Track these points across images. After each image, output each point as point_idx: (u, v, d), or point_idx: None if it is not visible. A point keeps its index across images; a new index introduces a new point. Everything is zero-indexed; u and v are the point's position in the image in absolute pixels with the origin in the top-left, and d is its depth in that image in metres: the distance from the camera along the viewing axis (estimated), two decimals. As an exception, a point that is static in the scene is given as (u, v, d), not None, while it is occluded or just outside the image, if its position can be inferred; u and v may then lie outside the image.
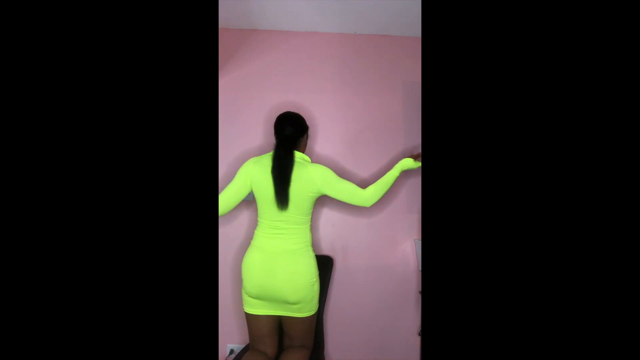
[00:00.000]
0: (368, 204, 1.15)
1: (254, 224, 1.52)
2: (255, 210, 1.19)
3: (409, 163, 1.20)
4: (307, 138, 1.24)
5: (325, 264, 1.42)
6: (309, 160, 1.17)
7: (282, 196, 1.08)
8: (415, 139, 1.65)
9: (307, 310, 1.11)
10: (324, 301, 1.33)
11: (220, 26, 1.65)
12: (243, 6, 1.49)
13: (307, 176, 1.10)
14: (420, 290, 1.55)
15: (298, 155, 1.14)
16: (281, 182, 1.08)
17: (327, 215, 1.59)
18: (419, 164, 1.21)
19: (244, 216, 1.56)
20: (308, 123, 1.24)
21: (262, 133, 1.59)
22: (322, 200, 1.59)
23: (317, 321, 1.27)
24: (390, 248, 1.58)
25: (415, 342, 1.55)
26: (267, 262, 1.08)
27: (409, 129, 1.66)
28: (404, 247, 1.59)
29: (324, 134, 1.63)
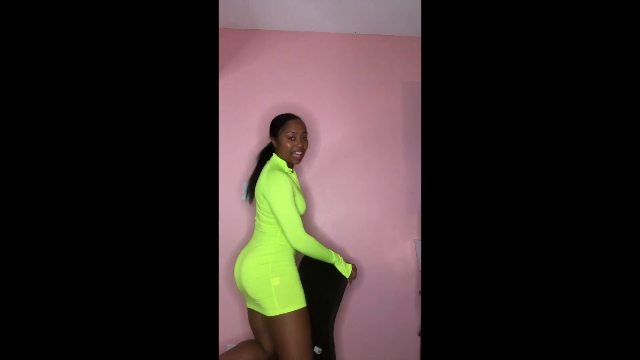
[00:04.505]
0: (296, 243, 1.05)
1: (250, 223, 1.52)
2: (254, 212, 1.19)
3: (343, 268, 1.13)
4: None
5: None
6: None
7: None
8: (415, 139, 1.65)
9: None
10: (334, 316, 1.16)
11: (220, 26, 1.65)
12: (243, 6, 1.49)
13: None
14: (420, 290, 1.55)
15: None
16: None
17: (327, 215, 1.59)
18: (346, 274, 1.14)
19: (243, 217, 1.56)
20: (307, 123, 1.24)
21: (262, 133, 1.59)
22: (322, 200, 1.59)
23: (323, 335, 1.12)
24: (390, 248, 1.58)
25: (415, 342, 1.55)
26: None
27: (409, 129, 1.66)
28: (404, 247, 1.59)
29: (324, 134, 1.63)
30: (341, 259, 1.15)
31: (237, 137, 1.60)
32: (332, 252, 1.12)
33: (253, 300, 1.07)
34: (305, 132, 1.17)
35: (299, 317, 1.03)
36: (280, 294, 1.02)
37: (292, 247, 1.10)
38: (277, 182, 1.06)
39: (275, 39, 1.68)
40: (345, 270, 1.14)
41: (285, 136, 1.14)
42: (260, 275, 1.04)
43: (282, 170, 1.13)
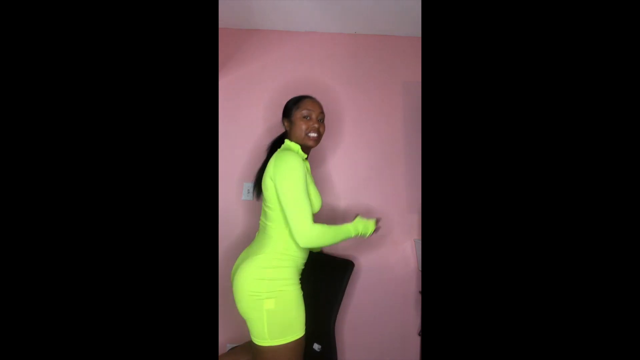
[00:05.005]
0: (301, 240, 0.85)
1: (250, 223, 1.52)
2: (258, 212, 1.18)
3: (368, 229, 0.97)
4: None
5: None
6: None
7: None
8: (415, 139, 1.65)
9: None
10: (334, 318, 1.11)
11: (220, 26, 1.65)
12: (243, 6, 1.49)
13: None
14: (420, 290, 1.55)
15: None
16: None
17: (328, 215, 1.59)
18: (370, 231, 0.98)
19: (240, 216, 1.56)
20: None
21: (262, 133, 1.59)
22: (323, 201, 1.59)
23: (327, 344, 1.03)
24: (390, 248, 1.58)
25: (415, 342, 1.55)
26: None
27: (409, 129, 1.66)
28: (404, 247, 1.59)
29: (324, 134, 1.63)
30: (359, 225, 0.95)
31: (237, 137, 1.60)
32: (349, 226, 0.93)
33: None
34: (322, 114, 1.02)
35: (291, 351, 0.83)
36: (272, 321, 0.83)
37: (301, 255, 0.94)
38: (287, 162, 0.87)
39: (275, 39, 1.68)
40: (366, 229, 0.96)
41: (300, 115, 0.99)
42: (252, 293, 0.85)
43: (295, 152, 0.96)
